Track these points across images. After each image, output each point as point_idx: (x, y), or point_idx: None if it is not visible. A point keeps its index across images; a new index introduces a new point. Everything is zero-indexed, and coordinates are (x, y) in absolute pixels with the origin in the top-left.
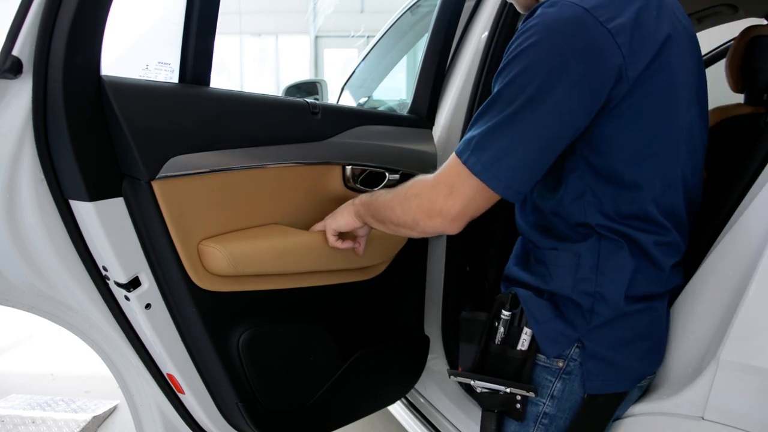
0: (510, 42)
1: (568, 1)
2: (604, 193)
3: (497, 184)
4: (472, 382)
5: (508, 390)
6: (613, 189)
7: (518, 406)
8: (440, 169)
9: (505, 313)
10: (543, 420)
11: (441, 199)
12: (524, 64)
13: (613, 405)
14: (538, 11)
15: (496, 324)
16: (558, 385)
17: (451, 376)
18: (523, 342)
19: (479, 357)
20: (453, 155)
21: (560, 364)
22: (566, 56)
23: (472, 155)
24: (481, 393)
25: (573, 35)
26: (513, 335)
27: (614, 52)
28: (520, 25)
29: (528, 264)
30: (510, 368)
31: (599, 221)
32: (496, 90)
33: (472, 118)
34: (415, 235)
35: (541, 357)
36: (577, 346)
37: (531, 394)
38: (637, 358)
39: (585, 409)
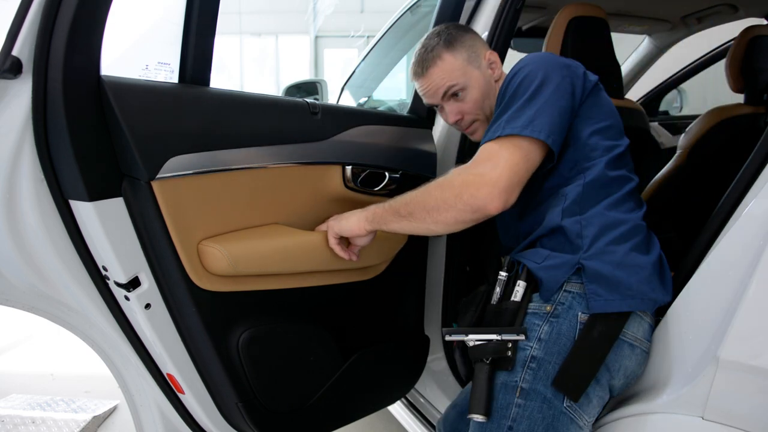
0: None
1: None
2: (593, 155)
3: (540, 133)
4: (465, 337)
5: (499, 337)
6: (598, 151)
7: (509, 353)
8: (474, 157)
9: (503, 274)
10: (531, 364)
11: (489, 170)
12: (523, 75)
13: (610, 335)
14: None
15: (495, 287)
16: (545, 327)
17: (446, 336)
18: (516, 293)
19: (475, 320)
20: (483, 145)
21: (548, 309)
22: (552, 65)
23: (507, 127)
24: (474, 346)
25: (550, 58)
26: (508, 292)
27: (578, 67)
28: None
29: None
30: (503, 320)
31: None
32: (506, 99)
33: (488, 125)
34: (450, 218)
35: (531, 305)
36: (574, 282)
37: (521, 337)
38: (638, 280)
39: (581, 338)
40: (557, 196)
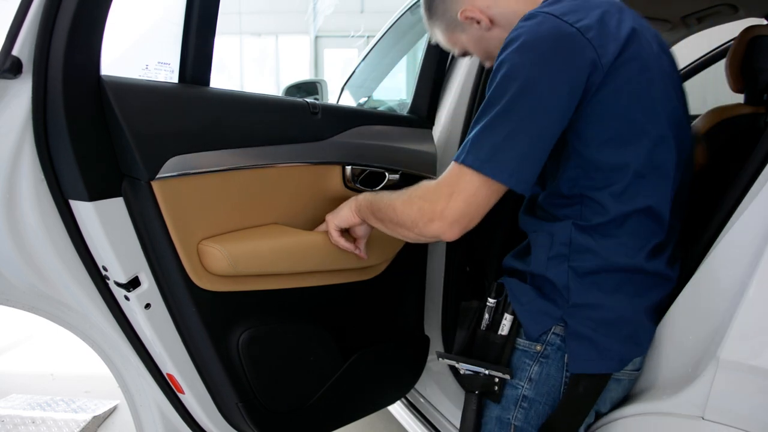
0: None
1: (541, 12)
2: (595, 178)
3: (500, 174)
4: (456, 364)
5: (487, 372)
6: (601, 173)
7: (496, 388)
8: (441, 175)
9: (491, 301)
10: (522, 403)
11: (443, 200)
12: (508, 66)
13: (595, 390)
14: (516, 25)
15: (485, 312)
16: (535, 368)
17: (440, 359)
18: (503, 327)
19: (467, 342)
20: (452, 162)
21: (538, 348)
22: (545, 53)
23: (470, 155)
24: (464, 375)
25: (548, 37)
26: (496, 321)
27: (586, 47)
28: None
29: (523, 254)
30: (492, 352)
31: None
32: (486, 96)
33: (471, 126)
34: (412, 237)
35: (521, 341)
36: (561, 326)
37: (507, 377)
38: (618, 340)
39: (568, 393)
40: (545, 234)
